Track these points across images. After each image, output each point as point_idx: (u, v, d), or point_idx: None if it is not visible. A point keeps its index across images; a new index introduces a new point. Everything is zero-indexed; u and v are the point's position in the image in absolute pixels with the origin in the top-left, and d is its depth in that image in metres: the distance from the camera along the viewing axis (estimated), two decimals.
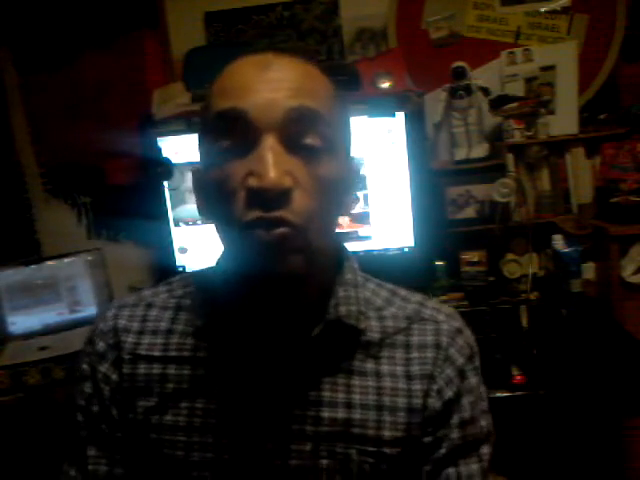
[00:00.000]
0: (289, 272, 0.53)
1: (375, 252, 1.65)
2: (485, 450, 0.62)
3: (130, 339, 0.64)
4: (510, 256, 1.75)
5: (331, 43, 1.94)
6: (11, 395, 1.49)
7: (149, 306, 0.66)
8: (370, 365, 0.61)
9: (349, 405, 0.59)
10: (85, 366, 0.65)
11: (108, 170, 2.04)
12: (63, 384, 1.50)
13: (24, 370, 1.54)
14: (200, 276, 0.68)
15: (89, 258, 1.89)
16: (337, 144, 0.58)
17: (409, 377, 0.61)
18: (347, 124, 0.62)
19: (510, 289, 1.73)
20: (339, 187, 0.58)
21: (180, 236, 1.73)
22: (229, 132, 0.54)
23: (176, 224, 1.73)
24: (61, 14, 1.94)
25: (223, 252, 0.64)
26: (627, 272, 1.62)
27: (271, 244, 0.52)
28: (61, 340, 1.75)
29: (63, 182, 2.08)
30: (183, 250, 1.74)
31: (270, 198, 0.51)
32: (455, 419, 0.61)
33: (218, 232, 0.59)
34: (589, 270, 1.71)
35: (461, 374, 0.62)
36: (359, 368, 0.61)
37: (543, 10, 1.84)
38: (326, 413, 0.59)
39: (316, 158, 0.55)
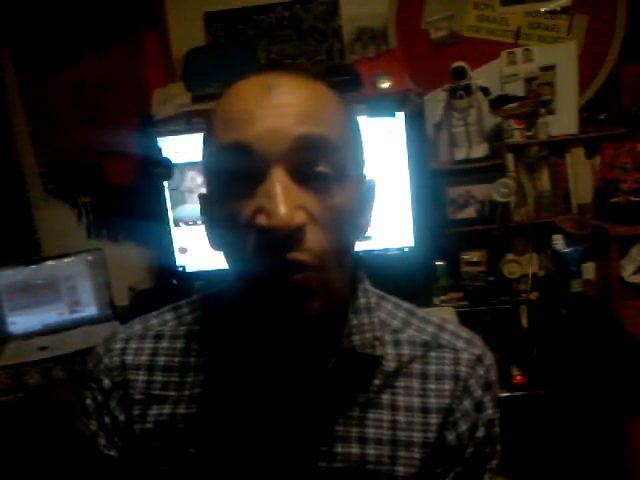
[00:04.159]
0: (307, 316, 0.51)
1: (375, 252, 1.65)
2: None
3: (141, 377, 0.60)
4: (510, 256, 1.75)
5: (331, 43, 1.94)
6: (11, 395, 1.49)
7: (158, 337, 0.63)
8: (386, 396, 0.58)
9: (363, 440, 0.57)
10: (89, 402, 0.62)
11: (108, 170, 2.04)
12: (63, 384, 1.50)
13: (24, 370, 1.54)
14: (210, 301, 0.65)
15: (89, 258, 1.89)
16: (349, 169, 0.53)
17: (425, 410, 0.58)
18: (359, 143, 0.58)
19: (510, 289, 1.73)
20: (354, 213, 0.55)
21: (180, 236, 1.73)
22: (234, 165, 0.50)
23: (176, 224, 1.73)
24: (61, 14, 1.94)
25: (232, 276, 0.58)
26: (627, 272, 1.62)
27: (288, 291, 0.49)
28: (61, 340, 1.75)
29: (63, 182, 2.08)
30: (183, 250, 1.74)
31: (282, 237, 0.47)
32: (468, 452, 0.59)
33: (229, 265, 0.56)
34: (589, 270, 1.71)
35: (478, 406, 0.60)
36: (374, 400, 0.58)
37: (543, 10, 1.83)
38: (339, 448, 0.56)
39: (328, 188, 0.51)
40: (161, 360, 0.61)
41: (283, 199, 0.48)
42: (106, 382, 0.61)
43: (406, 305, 0.65)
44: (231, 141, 0.50)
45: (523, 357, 1.37)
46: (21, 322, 1.83)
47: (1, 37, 1.98)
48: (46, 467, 1.33)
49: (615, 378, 1.29)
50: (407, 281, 1.60)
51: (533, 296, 1.70)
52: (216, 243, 0.58)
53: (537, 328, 1.52)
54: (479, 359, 0.61)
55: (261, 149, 0.49)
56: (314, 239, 0.50)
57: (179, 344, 0.62)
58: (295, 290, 0.49)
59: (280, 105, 0.50)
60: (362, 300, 0.61)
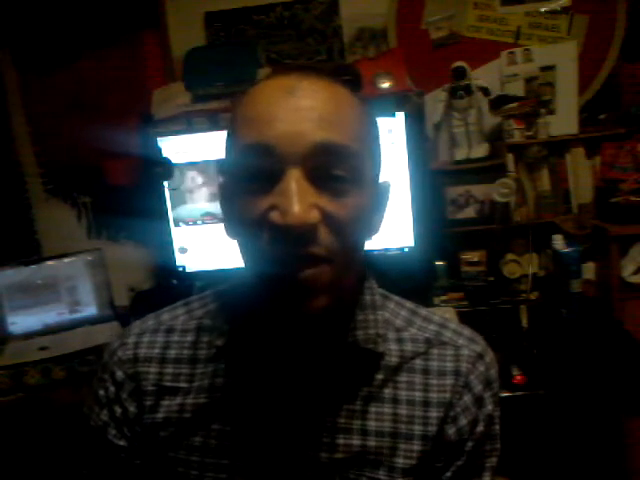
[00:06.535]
0: (314, 313, 0.52)
1: (375, 252, 1.65)
2: (487, 478, 0.63)
3: (153, 369, 0.63)
4: (510, 256, 1.75)
5: (331, 43, 1.94)
6: (11, 395, 1.49)
7: (169, 331, 0.65)
8: (388, 390, 0.60)
9: (364, 432, 0.59)
10: (102, 392, 0.64)
11: (108, 170, 2.04)
12: (63, 384, 1.50)
13: (24, 370, 1.54)
14: (220, 295, 0.67)
15: (89, 258, 1.88)
16: (366, 173, 0.55)
17: (427, 404, 0.60)
18: (377, 145, 0.60)
19: (510, 289, 1.73)
20: (368, 215, 0.56)
21: (180, 236, 1.73)
22: (254, 164, 0.52)
23: (176, 224, 1.73)
24: (61, 14, 1.94)
25: (244, 271, 0.59)
26: (627, 272, 1.62)
27: (297, 286, 0.51)
28: (61, 340, 1.75)
29: (63, 182, 2.08)
30: (183, 250, 1.74)
31: (295, 234, 0.49)
32: (467, 446, 0.61)
33: (242, 257, 0.57)
34: (589, 270, 1.71)
35: (478, 402, 0.61)
36: (377, 394, 0.60)
37: (543, 10, 1.83)
38: (341, 440, 0.58)
39: (344, 190, 0.53)
40: (172, 353, 0.63)
41: (298, 198, 0.49)
42: (119, 374, 0.63)
43: (409, 304, 0.67)
44: (253, 141, 0.52)
45: (523, 357, 1.37)
46: (21, 322, 1.83)
47: (1, 37, 1.98)
48: (46, 467, 1.33)
49: (615, 378, 1.29)
50: (407, 281, 1.59)
51: (533, 296, 1.70)
52: (231, 233, 0.60)
53: (537, 328, 1.52)
54: (480, 356, 0.63)
55: (281, 151, 0.51)
56: (327, 237, 0.51)
57: (189, 337, 0.64)
58: (305, 286, 0.51)
59: (301, 109, 0.52)
60: (368, 297, 0.63)
